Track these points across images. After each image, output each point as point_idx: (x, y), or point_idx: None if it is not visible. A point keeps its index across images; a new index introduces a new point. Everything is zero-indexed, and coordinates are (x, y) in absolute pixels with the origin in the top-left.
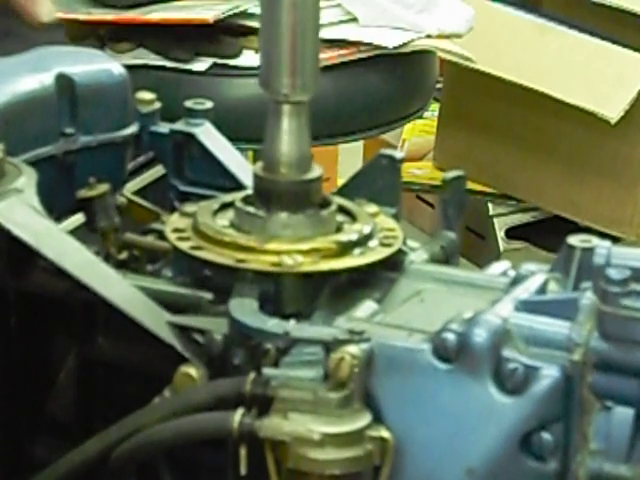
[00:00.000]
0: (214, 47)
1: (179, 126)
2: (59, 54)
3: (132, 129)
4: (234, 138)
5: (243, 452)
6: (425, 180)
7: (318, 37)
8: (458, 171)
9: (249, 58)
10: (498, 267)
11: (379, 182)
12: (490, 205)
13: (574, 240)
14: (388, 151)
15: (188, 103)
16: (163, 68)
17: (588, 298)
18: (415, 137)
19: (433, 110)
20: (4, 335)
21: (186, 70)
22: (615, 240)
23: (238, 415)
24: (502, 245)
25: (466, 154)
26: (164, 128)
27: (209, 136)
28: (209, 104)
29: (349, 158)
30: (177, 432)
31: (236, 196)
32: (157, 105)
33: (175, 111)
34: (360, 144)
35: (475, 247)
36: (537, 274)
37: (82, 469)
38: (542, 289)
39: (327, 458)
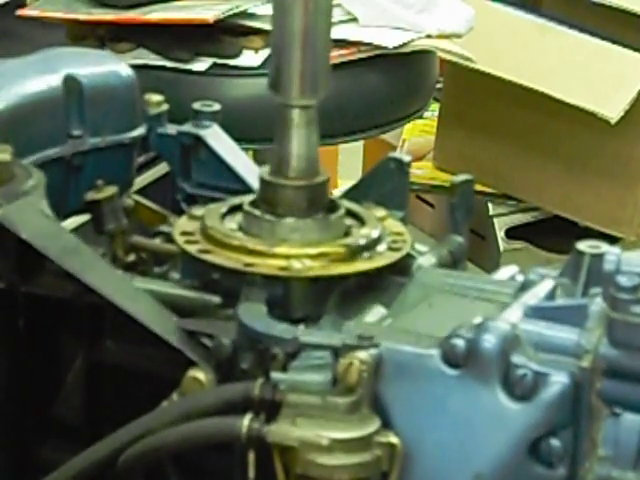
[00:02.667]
0: (214, 47)
1: (186, 128)
2: (66, 55)
3: (140, 131)
4: (234, 138)
5: (251, 457)
6: (425, 180)
7: (329, 41)
8: (466, 175)
9: (249, 58)
10: (506, 272)
11: (387, 185)
12: (490, 205)
13: (583, 246)
14: (396, 154)
15: (196, 105)
16: (163, 68)
17: (597, 304)
18: (415, 137)
19: (433, 110)
20: (12, 337)
21: (186, 70)
22: (615, 240)
23: (246, 420)
24: (502, 245)
25: (466, 154)
26: (171, 130)
27: (217, 138)
28: (217, 106)
29: (349, 158)
30: (185, 436)
31: (244, 199)
32: (165, 107)
33: (175, 111)
34: (360, 144)
35: (475, 247)
36: (546, 280)
37: (90, 472)
38: (551, 295)
39: (335, 464)
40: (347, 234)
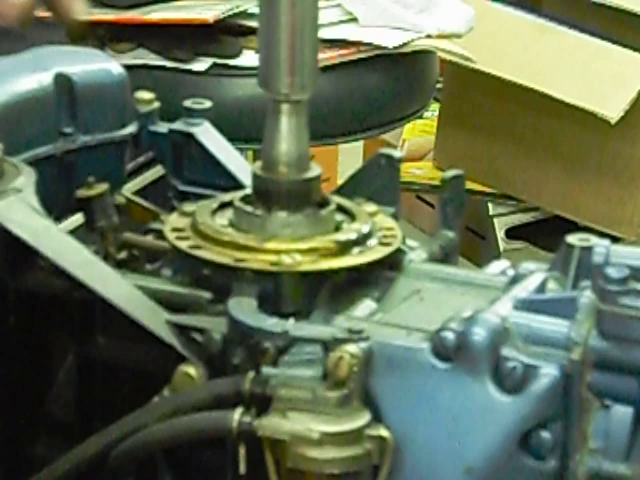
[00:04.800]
0: (214, 47)
1: (178, 126)
2: (58, 54)
3: (131, 129)
4: (234, 138)
5: (242, 451)
6: (425, 180)
7: (317, 35)
8: (457, 170)
9: (249, 58)
10: (497, 266)
11: (378, 181)
12: (490, 205)
13: (573, 239)
14: (387, 150)
15: (187, 103)
16: (163, 68)
17: (587, 297)
18: (415, 137)
19: (433, 110)
20: (3, 334)
21: (186, 70)
22: (615, 240)
23: (237, 414)
24: (502, 245)
25: (466, 154)
26: (163, 128)
27: (208, 136)
28: (208, 104)
29: (349, 158)
30: (176, 431)
31: (235, 195)
32: (156, 105)
33: (175, 111)
34: (360, 144)
35: (475, 247)
36: (536, 273)
37: (81, 468)
38: (541, 288)
39: (326, 457)
40: (338, 229)
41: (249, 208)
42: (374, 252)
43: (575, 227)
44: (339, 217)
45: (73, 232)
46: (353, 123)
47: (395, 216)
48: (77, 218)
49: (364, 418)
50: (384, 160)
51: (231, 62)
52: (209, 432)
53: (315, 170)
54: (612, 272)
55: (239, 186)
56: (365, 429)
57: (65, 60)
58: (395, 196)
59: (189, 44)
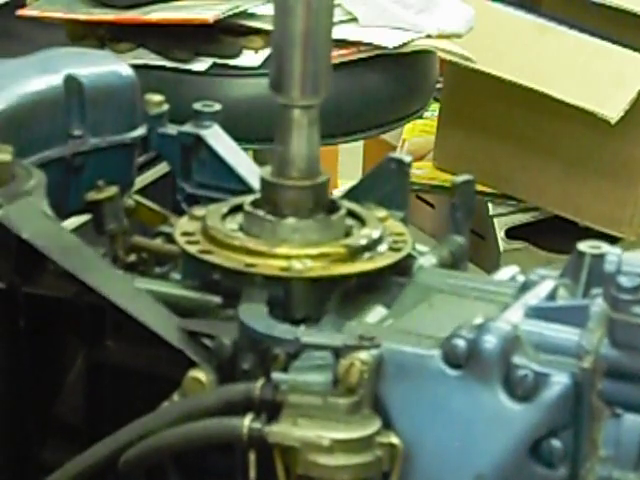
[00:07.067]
0: (214, 47)
1: (187, 128)
2: (67, 55)
3: (140, 131)
4: (234, 138)
5: (252, 457)
6: (425, 180)
7: (330, 41)
8: (467, 175)
9: (249, 58)
10: (507, 272)
11: (387, 186)
12: (490, 205)
13: (584, 246)
14: (396, 155)
15: (196, 105)
16: (163, 68)
17: (598, 305)
18: (415, 137)
19: (433, 110)
20: (13, 337)
21: (186, 70)
22: (615, 240)
23: (247, 420)
24: (502, 245)
25: (466, 154)
26: (172, 130)
27: (217, 138)
28: (217, 106)
29: (349, 158)
30: (186, 437)
31: (245, 200)
32: (165, 107)
33: (175, 111)
34: (360, 144)
35: (475, 247)
36: (547, 280)
37: (90, 472)
38: (552, 295)
39: (336, 464)
40: (348, 234)
41: (259, 213)
42: (384, 258)
43: (575, 227)
44: (349, 222)
45: (75, 230)
46: (353, 123)
47: (404, 220)
48: (78, 218)
49: (374, 425)
50: (394, 164)
51: (231, 62)
52: (219, 438)
53: (325, 175)
54: (624, 281)
55: (248, 189)
56: (375, 436)
57: (75, 62)
58: (405, 200)
59: (189, 44)
